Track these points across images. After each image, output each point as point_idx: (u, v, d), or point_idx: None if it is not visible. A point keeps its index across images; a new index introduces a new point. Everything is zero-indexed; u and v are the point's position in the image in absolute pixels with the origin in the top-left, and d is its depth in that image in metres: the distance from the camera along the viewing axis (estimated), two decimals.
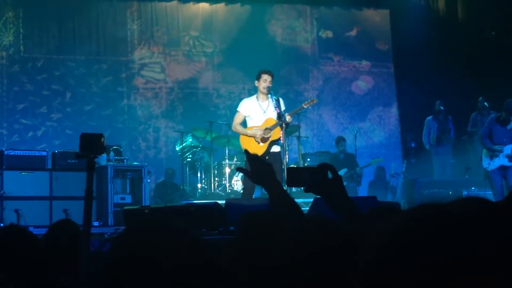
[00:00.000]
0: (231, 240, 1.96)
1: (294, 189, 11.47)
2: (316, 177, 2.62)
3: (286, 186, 2.90)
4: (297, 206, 2.70)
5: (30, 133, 13.32)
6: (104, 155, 10.66)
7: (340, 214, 2.53)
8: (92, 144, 4.59)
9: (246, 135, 8.96)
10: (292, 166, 11.16)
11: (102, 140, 4.65)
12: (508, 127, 10.49)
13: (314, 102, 9.37)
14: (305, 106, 9.26)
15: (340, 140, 13.33)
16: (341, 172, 12.52)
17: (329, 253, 1.71)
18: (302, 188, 2.71)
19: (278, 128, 8.74)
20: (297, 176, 2.73)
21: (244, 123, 9.14)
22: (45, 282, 2.29)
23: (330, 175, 2.61)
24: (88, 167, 4.51)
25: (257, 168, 2.82)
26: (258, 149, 8.80)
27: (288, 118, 8.80)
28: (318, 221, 1.85)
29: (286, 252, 1.72)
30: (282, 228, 1.81)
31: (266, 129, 8.83)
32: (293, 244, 1.73)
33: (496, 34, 13.84)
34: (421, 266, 1.04)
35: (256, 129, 8.87)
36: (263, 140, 8.81)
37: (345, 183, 12.35)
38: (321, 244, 1.72)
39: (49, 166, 10.13)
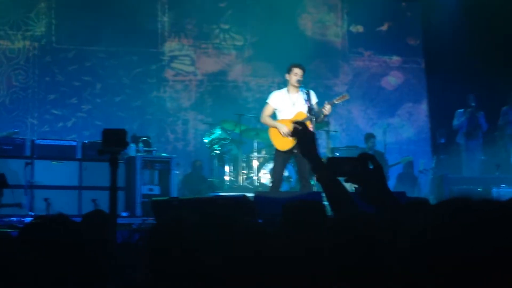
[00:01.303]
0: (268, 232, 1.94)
1: None
2: (357, 167, 2.60)
3: None
4: (344, 189, 2.67)
5: (61, 124, 13.42)
6: (133, 146, 10.72)
7: (380, 205, 2.50)
8: (114, 139, 4.58)
9: (275, 127, 8.95)
10: (333, 156, 11.13)
11: (125, 135, 4.64)
12: None
13: (346, 98, 9.32)
14: (336, 102, 9.22)
15: (369, 137, 13.26)
16: None
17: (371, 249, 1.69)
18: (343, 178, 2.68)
19: (308, 122, 8.71)
20: (338, 165, 2.70)
21: (274, 116, 9.13)
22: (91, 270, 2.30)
23: (371, 165, 2.59)
24: (112, 163, 4.50)
25: (306, 137, 2.80)
26: (287, 142, 8.79)
27: (327, 107, 8.74)
28: (361, 217, 1.83)
29: (326, 243, 1.70)
30: (324, 221, 1.80)
31: (295, 122, 8.79)
32: (336, 237, 1.71)
33: None
34: (452, 260, 1.02)
35: (282, 124, 8.84)
36: (291, 133, 8.78)
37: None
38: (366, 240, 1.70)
39: (79, 156, 10.21)
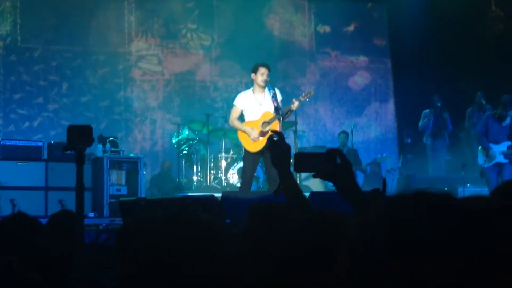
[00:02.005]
0: (235, 233, 1.95)
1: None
2: (325, 162, 2.59)
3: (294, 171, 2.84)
4: (305, 199, 2.69)
5: (26, 123, 13.29)
6: (100, 147, 10.65)
7: (348, 200, 2.51)
8: (80, 136, 4.53)
9: (244, 131, 8.95)
10: (299, 151, 11.14)
11: (91, 131, 4.59)
12: (504, 123, 10.50)
13: (311, 94, 9.32)
14: (302, 99, 9.23)
15: (341, 134, 13.37)
16: None
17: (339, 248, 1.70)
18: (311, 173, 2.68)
19: (276, 121, 8.72)
20: (306, 161, 2.69)
21: (241, 117, 9.13)
22: (54, 269, 2.29)
23: (338, 160, 2.59)
24: (78, 160, 4.45)
25: (281, 150, 2.80)
26: (257, 143, 8.80)
27: (296, 104, 8.77)
28: (327, 215, 1.84)
29: (294, 245, 1.71)
30: (292, 221, 1.80)
31: (264, 122, 8.81)
32: (302, 237, 1.72)
33: (495, 29, 13.83)
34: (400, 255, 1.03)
35: (251, 129, 8.84)
36: (262, 134, 8.80)
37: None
38: (330, 239, 1.71)
39: (45, 157, 10.11)
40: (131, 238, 1.59)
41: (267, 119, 8.82)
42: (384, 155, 13.76)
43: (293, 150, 11.44)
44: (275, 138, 2.91)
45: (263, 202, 2.09)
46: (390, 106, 15.64)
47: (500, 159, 10.41)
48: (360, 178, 13.49)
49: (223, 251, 1.55)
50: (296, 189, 2.70)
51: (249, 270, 1.72)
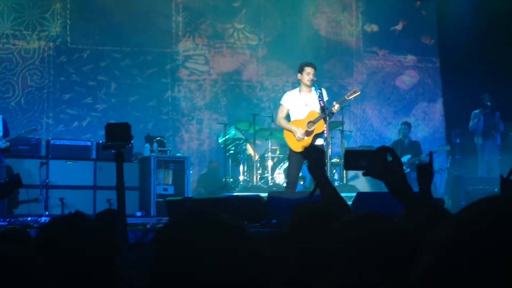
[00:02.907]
0: (277, 232, 1.94)
1: (336, 183, 11.44)
2: (375, 160, 2.54)
3: (344, 169, 2.78)
4: (345, 203, 2.66)
5: (76, 123, 13.46)
6: (148, 146, 10.75)
7: (398, 199, 2.47)
8: (118, 133, 4.53)
9: (290, 130, 8.93)
10: (349, 148, 11.08)
11: (129, 129, 4.59)
12: None
13: (357, 93, 9.26)
14: (348, 98, 9.18)
15: (402, 125, 13.25)
16: (404, 159, 12.42)
17: (383, 251, 1.67)
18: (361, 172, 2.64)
19: (322, 121, 8.69)
20: (356, 159, 2.65)
21: (288, 116, 9.11)
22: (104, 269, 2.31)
23: (389, 158, 2.54)
24: (117, 158, 4.46)
25: (317, 159, 2.78)
26: (302, 142, 8.77)
27: (336, 106, 8.74)
28: (371, 216, 1.81)
29: (337, 246, 1.69)
30: (335, 222, 1.78)
31: (309, 122, 8.79)
32: (346, 239, 1.70)
33: None
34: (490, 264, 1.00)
35: (297, 128, 8.82)
36: (307, 133, 8.77)
37: (407, 170, 12.15)
38: (374, 241, 1.69)
39: (94, 156, 10.24)
40: (164, 238, 1.60)
41: (312, 118, 8.79)
42: (446, 145, 13.56)
43: (340, 150, 11.40)
44: (309, 148, 2.90)
45: (307, 203, 2.07)
46: (439, 106, 15.44)
47: None
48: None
49: (244, 252, 1.55)
50: (334, 195, 2.67)
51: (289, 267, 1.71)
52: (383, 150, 2.56)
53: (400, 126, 13.41)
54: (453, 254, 1.06)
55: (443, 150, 13.26)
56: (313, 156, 2.80)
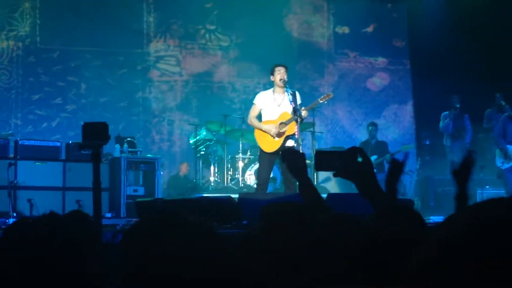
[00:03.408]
0: (248, 233, 1.93)
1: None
2: (345, 160, 2.55)
3: (314, 170, 2.82)
4: (323, 201, 2.66)
5: (45, 124, 13.35)
6: (118, 147, 10.68)
7: (369, 199, 2.48)
8: (95, 133, 4.49)
9: (261, 129, 8.93)
10: (320, 149, 11.09)
11: (107, 128, 4.55)
12: None
13: (330, 96, 9.29)
14: (321, 101, 9.21)
15: (369, 126, 13.28)
16: (372, 158, 12.47)
17: (355, 251, 1.67)
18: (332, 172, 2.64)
19: (293, 122, 8.70)
20: (326, 160, 2.65)
21: (259, 116, 9.11)
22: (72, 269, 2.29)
23: (360, 159, 2.55)
24: (94, 158, 4.42)
25: (294, 159, 2.77)
26: (273, 143, 8.78)
27: (304, 113, 8.76)
28: (345, 218, 1.81)
29: (310, 246, 1.69)
30: (308, 223, 1.78)
31: (281, 123, 8.79)
32: (318, 240, 1.69)
33: None
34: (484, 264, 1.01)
35: (271, 125, 8.83)
36: (278, 134, 8.77)
37: (374, 171, 12.27)
38: (348, 241, 1.68)
39: (63, 157, 10.15)
40: (131, 239, 1.59)
41: (284, 120, 8.80)
42: (410, 143, 13.62)
43: (310, 152, 11.43)
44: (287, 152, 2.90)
45: (276, 203, 2.06)
46: (409, 108, 15.55)
47: None
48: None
49: (213, 253, 1.54)
50: (314, 196, 2.67)
51: (254, 271, 1.70)
52: (353, 150, 2.56)
53: (368, 127, 13.44)
54: (449, 251, 1.06)
55: (406, 149, 13.32)
56: (287, 157, 2.79)
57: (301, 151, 2.81)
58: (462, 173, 3.00)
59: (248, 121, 9.33)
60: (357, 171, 2.53)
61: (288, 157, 2.85)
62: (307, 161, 11.41)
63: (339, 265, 1.63)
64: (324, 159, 2.67)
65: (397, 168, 2.85)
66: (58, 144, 10.33)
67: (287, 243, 1.74)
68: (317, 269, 1.67)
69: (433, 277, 1.05)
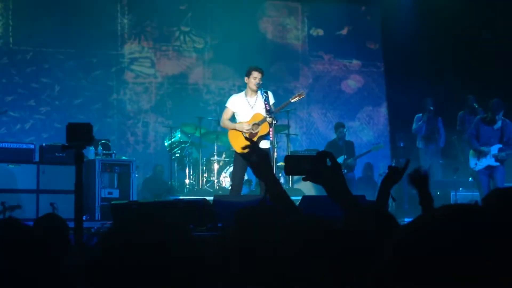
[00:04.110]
0: (221, 236, 1.95)
1: (285, 185, 11.50)
2: (315, 165, 2.58)
3: (284, 174, 2.84)
4: (293, 203, 2.68)
5: (18, 126, 13.25)
6: (92, 149, 10.62)
7: (338, 202, 2.51)
8: (79, 134, 4.47)
9: (234, 129, 8.95)
10: (290, 154, 11.15)
11: (91, 129, 4.53)
12: (495, 127, 10.52)
13: (302, 96, 9.31)
14: (293, 101, 9.22)
15: (339, 126, 13.27)
16: (340, 160, 12.50)
17: (317, 251, 1.70)
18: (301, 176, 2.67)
19: (266, 123, 8.72)
20: (296, 164, 2.69)
21: (233, 119, 9.13)
22: (40, 273, 2.28)
23: (329, 162, 2.58)
24: (77, 159, 4.41)
25: (260, 160, 2.79)
26: (246, 144, 8.78)
27: (269, 119, 8.73)
28: (311, 219, 1.83)
29: (278, 249, 1.71)
30: (276, 225, 1.80)
31: (254, 124, 8.81)
32: (285, 241, 1.71)
33: (487, 34, 13.87)
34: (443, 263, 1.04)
35: (243, 123, 8.85)
36: (251, 135, 8.79)
37: (344, 171, 12.27)
38: (312, 242, 1.71)
39: (37, 159, 10.06)
40: (108, 242, 1.60)
41: (257, 120, 8.82)
42: (379, 143, 13.68)
43: (285, 154, 11.47)
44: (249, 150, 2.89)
45: (248, 207, 2.08)
46: (383, 110, 15.66)
47: (491, 162, 10.42)
48: (358, 171, 13.48)
49: (190, 255, 1.55)
50: (284, 196, 2.69)
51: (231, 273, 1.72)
52: (323, 155, 2.59)
53: (336, 128, 13.43)
54: (409, 249, 1.09)
55: (377, 149, 13.39)
56: (253, 159, 2.80)
57: (263, 150, 2.83)
58: (418, 179, 3.08)
59: (221, 124, 9.33)
60: (326, 175, 2.56)
61: (251, 159, 2.86)
62: (283, 163, 11.43)
63: (306, 266, 1.65)
64: (294, 164, 2.71)
65: (396, 174, 2.91)
66: (32, 146, 10.25)
67: (258, 245, 1.76)
68: (286, 270, 1.69)
69: (388, 277, 1.08)
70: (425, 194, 3.09)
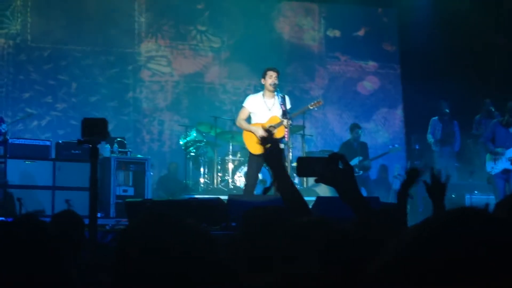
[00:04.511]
0: (233, 236, 1.96)
1: (299, 186, 11.50)
2: (327, 167, 2.58)
3: (296, 176, 2.86)
4: (301, 197, 2.69)
5: (35, 122, 13.32)
6: (108, 147, 10.67)
7: (349, 204, 2.51)
8: (95, 128, 4.49)
9: (250, 130, 8.96)
10: (305, 155, 11.16)
11: (106, 125, 4.55)
12: (511, 129, 10.47)
13: (320, 104, 9.37)
14: (311, 107, 9.27)
15: (354, 127, 13.23)
16: (356, 161, 12.49)
17: (326, 252, 1.71)
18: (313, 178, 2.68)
19: (282, 126, 8.73)
20: (308, 166, 2.69)
21: (249, 120, 9.14)
22: (56, 270, 2.29)
23: (341, 165, 2.58)
24: (92, 154, 4.43)
25: (273, 149, 2.80)
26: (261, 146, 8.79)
27: (285, 122, 8.75)
28: (320, 220, 1.84)
29: (285, 249, 1.72)
30: (283, 225, 1.81)
31: (270, 126, 8.82)
32: (291, 242, 1.72)
33: (504, 37, 13.79)
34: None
35: (258, 127, 8.86)
36: None
37: (360, 172, 12.30)
38: (319, 243, 1.72)
39: (53, 156, 10.12)
40: (129, 239, 1.61)
41: (273, 123, 8.83)
42: (396, 145, 13.64)
43: (300, 154, 11.47)
44: (265, 135, 2.91)
45: (258, 207, 2.09)
46: (399, 112, 15.61)
47: (507, 165, 10.37)
48: (373, 174, 13.44)
49: (210, 255, 1.56)
50: (292, 189, 2.69)
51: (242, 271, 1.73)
52: (335, 157, 2.60)
53: (351, 129, 13.40)
54: (408, 251, 1.10)
55: (395, 151, 13.36)
56: (267, 145, 2.83)
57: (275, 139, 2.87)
58: (435, 189, 3.08)
59: (237, 123, 9.35)
60: (338, 177, 2.56)
61: (266, 145, 2.88)
62: (295, 164, 11.47)
63: (313, 266, 1.66)
64: (306, 165, 2.71)
65: (414, 175, 2.93)
66: (48, 143, 10.31)
67: (266, 245, 1.77)
68: (292, 270, 1.70)
69: (389, 277, 1.09)
70: (439, 209, 3.06)
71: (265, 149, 2.85)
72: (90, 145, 4.47)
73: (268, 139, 2.89)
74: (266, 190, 2.85)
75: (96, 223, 4.52)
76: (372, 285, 1.13)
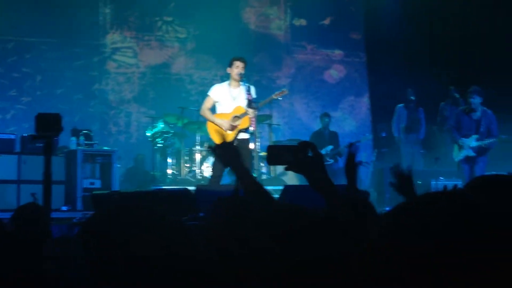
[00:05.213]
0: (202, 226, 1.96)
1: (264, 176, 11.52)
2: (296, 155, 2.60)
3: (267, 164, 2.85)
4: (268, 194, 2.70)
5: None
6: (74, 140, 10.58)
7: (320, 193, 2.52)
8: (49, 124, 4.44)
9: (214, 122, 8.95)
10: (272, 144, 11.16)
11: (60, 120, 4.50)
12: (474, 117, 10.61)
13: (285, 93, 9.38)
14: (275, 97, 9.29)
15: (323, 116, 13.36)
16: (328, 149, 12.60)
17: (297, 239, 1.71)
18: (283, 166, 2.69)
19: (247, 116, 8.74)
20: (278, 154, 2.70)
21: (213, 109, 9.13)
22: (17, 266, 2.28)
23: (310, 153, 2.59)
24: (46, 149, 4.38)
25: (225, 152, 2.81)
26: (226, 136, 8.80)
27: (250, 112, 8.76)
28: (287, 208, 1.85)
29: (253, 237, 1.72)
30: (251, 214, 1.81)
31: (234, 117, 8.83)
32: (260, 230, 1.72)
33: (469, 25, 13.91)
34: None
35: (223, 120, 8.85)
36: (231, 128, 8.81)
37: (331, 161, 12.35)
38: (288, 230, 1.72)
39: (18, 150, 10.02)
40: (96, 230, 1.60)
41: (238, 113, 8.83)
42: (366, 135, 13.72)
43: (268, 144, 11.48)
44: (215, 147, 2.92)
45: (227, 196, 2.09)
46: (365, 100, 15.70)
47: (469, 152, 10.54)
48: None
49: (182, 245, 1.56)
50: (255, 187, 2.70)
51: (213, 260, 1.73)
52: (305, 145, 2.61)
53: (321, 118, 13.50)
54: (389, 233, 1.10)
55: (365, 140, 13.46)
56: (217, 152, 2.83)
57: (228, 143, 2.86)
58: (402, 187, 3.09)
59: (201, 112, 9.32)
60: (308, 165, 2.58)
61: (219, 152, 2.88)
62: (265, 153, 11.49)
63: (281, 256, 1.67)
64: (276, 154, 2.72)
65: (351, 162, 2.93)
66: (13, 136, 10.20)
67: (231, 235, 1.77)
68: (258, 262, 1.70)
69: (371, 261, 1.10)
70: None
71: (222, 157, 2.86)
72: (45, 141, 4.42)
73: (217, 148, 2.89)
74: (234, 195, 2.83)
75: (49, 217, 4.46)
76: (351, 272, 1.13)
